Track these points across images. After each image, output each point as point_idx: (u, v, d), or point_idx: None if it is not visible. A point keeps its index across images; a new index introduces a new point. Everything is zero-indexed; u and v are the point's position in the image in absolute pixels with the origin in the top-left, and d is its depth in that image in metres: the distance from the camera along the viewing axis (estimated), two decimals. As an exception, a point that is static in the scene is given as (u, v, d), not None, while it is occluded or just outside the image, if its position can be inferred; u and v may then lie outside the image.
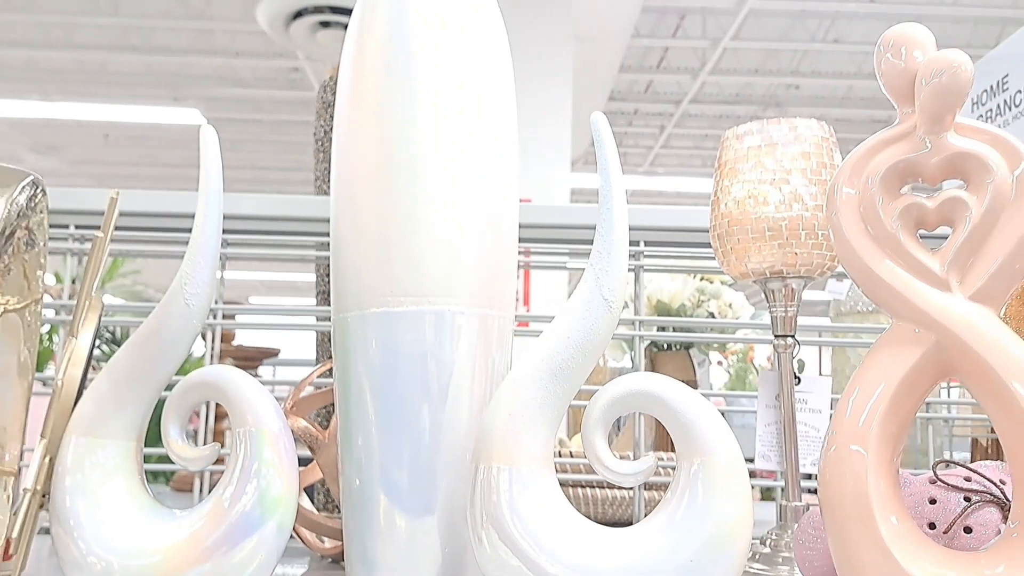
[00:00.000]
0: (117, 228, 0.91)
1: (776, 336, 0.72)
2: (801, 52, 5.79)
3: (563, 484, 0.86)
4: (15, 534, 0.51)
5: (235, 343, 1.33)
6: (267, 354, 1.31)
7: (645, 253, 0.94)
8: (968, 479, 0.56)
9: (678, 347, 1.31)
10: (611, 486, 0.89)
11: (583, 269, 0.93)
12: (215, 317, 0.90)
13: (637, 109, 6.88)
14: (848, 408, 0.50)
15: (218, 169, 0.55)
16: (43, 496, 0.54)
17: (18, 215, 0.50)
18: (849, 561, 0.48)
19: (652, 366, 1.30)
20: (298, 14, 3.78)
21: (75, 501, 0.51)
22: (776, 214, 0.69)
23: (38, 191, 0.51)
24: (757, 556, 0.70)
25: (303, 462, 0.79)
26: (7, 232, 0.49)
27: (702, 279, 1.29)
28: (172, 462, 0.59)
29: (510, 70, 0.63)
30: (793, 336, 0.72)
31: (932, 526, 0.55)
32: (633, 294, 0.94)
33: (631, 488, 0.88)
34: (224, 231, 0.89)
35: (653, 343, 1.31)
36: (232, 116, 6.79)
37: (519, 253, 1.04)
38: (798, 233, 0.68)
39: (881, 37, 0.53)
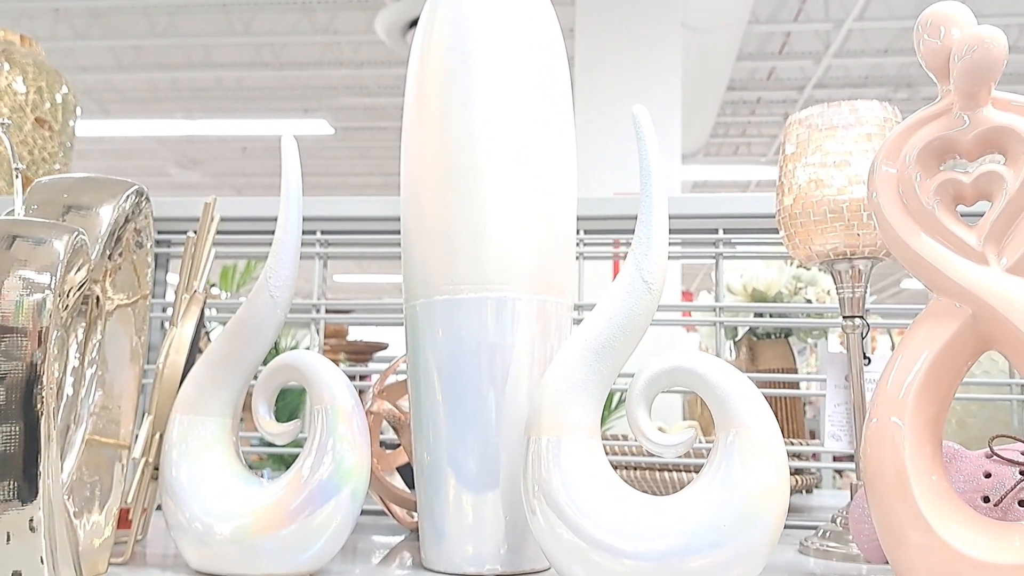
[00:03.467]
0: (248, 232, 1.00)
1: (844, 317, 0.73)
2: (934, 29, 5.52)
3: (661, 468, 0.88)
4: (130, 500, 0.58)
5: (348, 339, 1.42)
6: (376, 348, 1.39)
7: (726, 241, 0.95)
8: (1025, 453, 0.56)
9: (777, 335, 1.30)
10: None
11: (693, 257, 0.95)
12: (318, 312, 0.97)
13: (760, 97, 6.73)
14: (888, 381, 0.51)
15: (298, 176, 0.61)
16: (155, 468, 0.61)
17: (125, 220, 0.57)
18: (889, 529, 0.50)
19: (751, 354, 1.30)
20: (413, 23, 3.92)
21: (180, 472, 0.58)
22: (838, 196, 0.70)
23: (142, 198, 0.59)
24: (828, 534, 0.71)
25: (395, 445, 0.85)
26: (116, 235, 0.56)
27: (799, 266, 1.28)
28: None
29: (566, 73, 0.66)
30: (862, 317, 0.73)
31: (986, 499, 0.56)
32: (714, 281, 0.96)
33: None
34: (324, 232, 0.97)
35: (752, 332, 1.31)
36: (359, 125, 7.04)
37: (622, 244, 1.07)
38: (860, 215, 0.69)
39: (919, 18, 0.54)
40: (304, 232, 0.97)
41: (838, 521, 0.71)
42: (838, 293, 0.73)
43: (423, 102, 0.64)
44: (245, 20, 5.68)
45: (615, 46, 3.48)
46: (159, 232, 1.01)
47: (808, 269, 1.28)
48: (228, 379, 0.60)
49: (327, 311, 0.99)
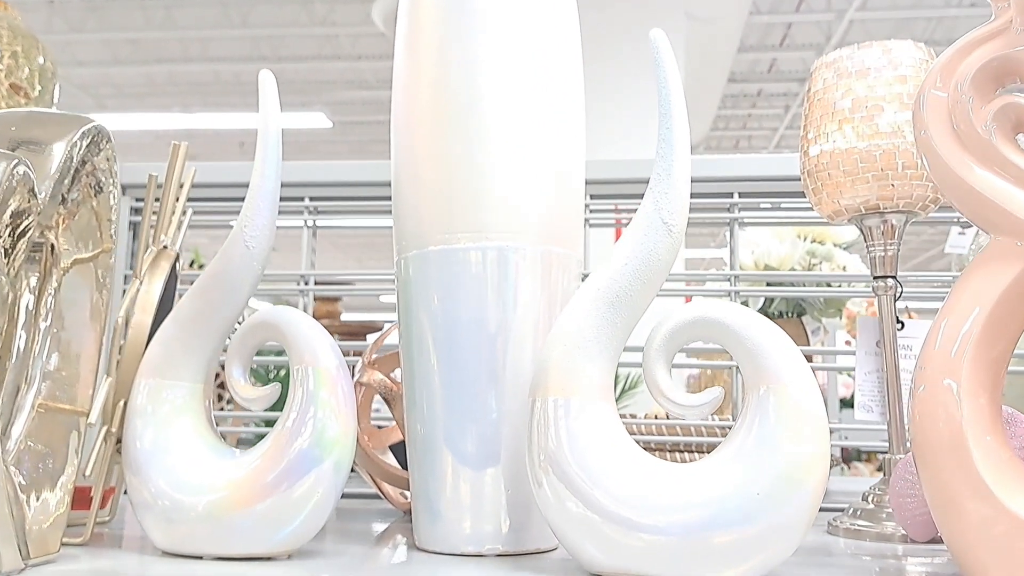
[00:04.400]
0: (232, 200, 0.94)
1: (875, 277, 0.67)
2: (936, 19, 5.47)
3: (672, 448, 0.82)
4: (88, 473, 0.52)
5: (341, 319, 1.37)
6: (369, 328, 1.33)
7: (741, 206, 0.90)
8: (1089, 417, 0.50)
9: (790, 314, 1.24)
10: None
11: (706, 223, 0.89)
12: (306, 283, 0.91)
13: (760, 90, 6.67)
14: (938, 339, 0.45)
15: (277, 115, 0.55)
16: (118, 441, 0.55)
17: (82, 160, 0.51)
18: (943, 502, 0.44)
19: (763, 335, 1.24)
20: (412, 10, 3.85)
21: (144, 442, 0.52)
22: (870, 145, 0.64)
23: (102, 138, 0.53)
24: (860, 512, 0.65)
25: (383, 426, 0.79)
26: (72, 175, 0.50)
27: (813, 241, 1.22)
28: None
29: (575, 12, 0.61)
30: (894, 277, 0.67)
31: (1047, 468, 0.49)
32: (729, 250, 0.90)
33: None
34: (312, 198, 0.91)
35: (764, 311, 1.25)
36: (357, 119, 6.98)
37: (623, 211, 1.01)
38: (894, 164, 0.63)
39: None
40: (291, 199, 0.92)
41: (869, 499, 0.65)
42: (868, 252, 0.67)
43: (416, 35, 0.58)
44: (243, 13, 5.62)
45: (618, 34, 3.42)
46: (136, 200, 0.95)
47: (823, 244, 1.22)
48: (199, 340, 0.54)
49: (316, 283, 0.93)
